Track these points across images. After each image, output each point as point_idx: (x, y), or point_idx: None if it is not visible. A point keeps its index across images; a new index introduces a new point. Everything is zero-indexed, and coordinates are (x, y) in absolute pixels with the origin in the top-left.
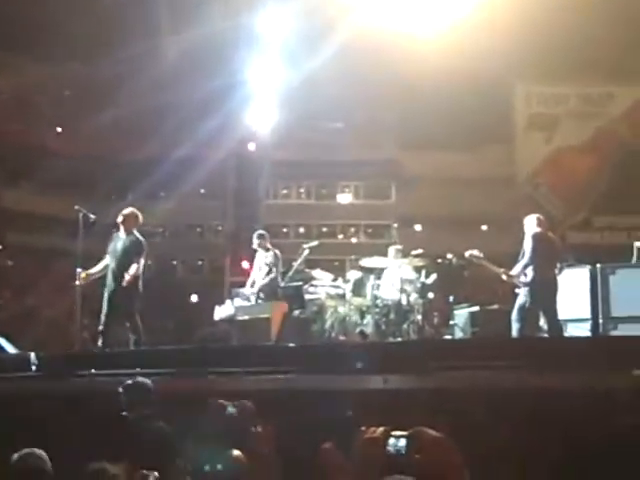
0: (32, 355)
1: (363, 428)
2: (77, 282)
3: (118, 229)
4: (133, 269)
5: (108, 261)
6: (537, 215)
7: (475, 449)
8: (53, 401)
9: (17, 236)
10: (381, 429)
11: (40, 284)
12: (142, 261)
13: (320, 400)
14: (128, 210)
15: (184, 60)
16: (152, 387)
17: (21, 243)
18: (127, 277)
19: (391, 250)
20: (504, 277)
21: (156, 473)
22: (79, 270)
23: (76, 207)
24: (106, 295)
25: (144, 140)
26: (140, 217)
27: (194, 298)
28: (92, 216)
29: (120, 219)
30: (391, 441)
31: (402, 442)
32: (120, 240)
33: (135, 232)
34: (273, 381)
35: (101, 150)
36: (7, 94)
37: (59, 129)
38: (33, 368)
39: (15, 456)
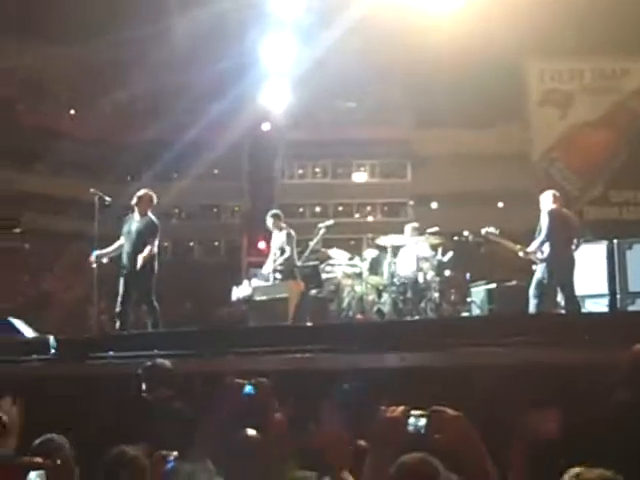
0: (51, 338)
1: (383, 407)
2: (92, 262)
3: (133, 211)
4: (146, 251)
5: (122, 242)
6: (553, 191)
7: (492, 425)
8: (72, 384)
9: (33, 219)
10: (401, 408)
11: (57, 267)
12: (156, 243)
13: (337, 379)
14: (142, 192)
15: (195, 40)
16: (171, 368)
17: (37, 226)
18: (140, 260)
19: (407, 228)
20: (521, 254)
21: (176, 453)
22: (95, 252)
23: (91, 189)
24: (122, 277)
25: (157, 121)
26: (155, 199)
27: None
28: (108, 198)
29: (134, 201)
30: (411, 420)
31: (422, 421)
32: (134, 222)
33: (150, 214)
34: (291, 361)
35: (115, 132)
36: (21, 77)
37: (73, 111)
38: (52, 351)
39: (36, 442)
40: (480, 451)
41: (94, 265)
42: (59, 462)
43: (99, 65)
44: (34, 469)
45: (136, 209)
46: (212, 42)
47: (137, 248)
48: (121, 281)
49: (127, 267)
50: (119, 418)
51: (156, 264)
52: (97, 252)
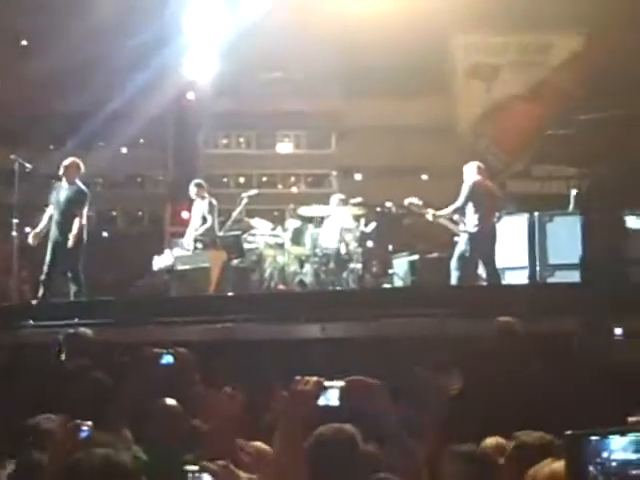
0: None
1: (298, 378)
2: (30, 241)
3: (60, 179)
4: (76, 226)
5: (51, 212)
6: (477, 163)
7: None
8: None
9: None
10: (314, 379)
11: None
12: (85, 211)
13: (259, 349)
14: (69, 160)
15: (118, 10)
16: (92, 337)
17: None
18: (71, 238)
19: (333, 199)
20: (429, 217)
21: (90, 422)
22: (15, 221)
23: (12, 156)
24: (50, 245)
25: (80, 92)
26: (82, 166)
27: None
28: (28, 165)
29: (62, 170)
30: (323, 393)
31: (335, 393)
32: (63, 191)
33: (78, 182)
34: (212, 331)
35: (37, 101)
36: None
37: None
38: None
39: None
40: (393, 419)
41: (33, 243)
42: None
43: (19, 33)
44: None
45: (64, 178)
46: (135, 11)
47: (66, 217)
48: (49, 249)
49: (56, 236)
50: (38, 387)
51: (85, 233)
52: (32, 233)
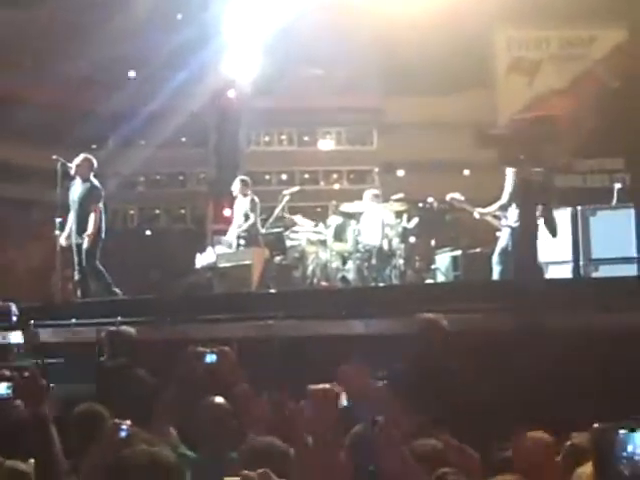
0: (13, 306)
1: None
2: (61, 244)
3: (74, 178)
4: (91, 222)
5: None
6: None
7: (456, 392)
8: (34, 351)
9: None
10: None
11: (19, 235)
12: (100, 207)
13: (301, 346)
14: (81, 157)
15: (158, 8)
16: (134, 336)
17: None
18: (87, 236)
19: (367, 194)
20: (476, 215)
21: (129, 422)
22: (59, 220)
23: (54, 156)
24: (74, 245)
25: (122, 89)
26: (94, 162)
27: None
28: (70, 165)
29: (74, 168)
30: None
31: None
32: (77, 189)
33: (92, 178)
34: (255, 328)
35: (78, 99)
36: None
37: (35, 78)
38: (14, 319)
39: None
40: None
41: (64, 244)
42: (27, 374)
43: (60, 31)
44: (2, 381)
45: (77, 176)
46: (176, 9)
47: (81, 215)
48: (74, 249)
49: (75, 235)
50: (82, 385)
51: (103, 229)
52: (62, 237)
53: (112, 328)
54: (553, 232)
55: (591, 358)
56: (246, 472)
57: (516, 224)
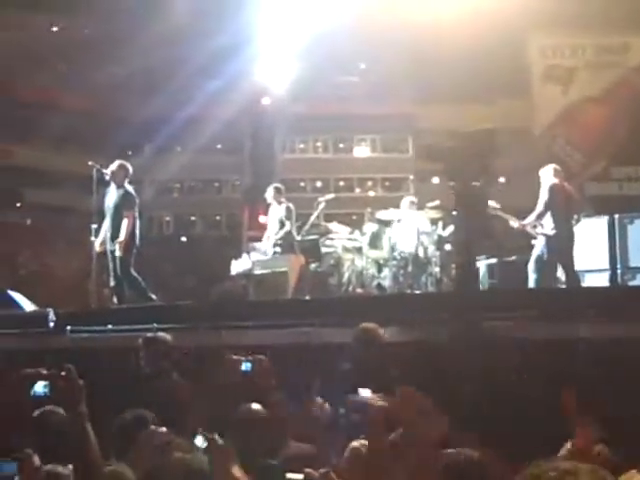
0: (50, 312)
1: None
2: (97, 250)
3: (109, 185)
4: (124, 228)
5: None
6: (554, 166)
7: (490, 396)
8: (70, 357)
9: (33, 194)
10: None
11: (55, 242)
12: (135, 214)
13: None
14: (117, 163)
15: (193, 14)
16: (171, 342)
17: (37, 200)
18: (118, 243)
19: (404, 201)
20: (515, 225)
21: (164, 428)
22: (94, 226)
23: (90, 163)
24: (109, 252)
25: (157, 96)
26: (130, 169)
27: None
28: (106, 172)
29: (109, 175)
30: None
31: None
32: (112, 196)
33: (126, 185)
34: (291, 335)
35: (114, 106)
36: (17, 49)
37: (71, 84)
38: (51, 325)
39: (36, 413)
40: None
41: (99, 249)
42: (63, 374)
43: (96, 38)
44: (40, 380)
45: (112, 182)
46: (211, 16)
47: (116, 221)
48: (109, 256)
49: (109, 242)
50: (117, 391)
51: (137, 236)
52: (97, 243)
53: (148, 334)
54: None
55: (629, 366)
56: (310, 470)
57: (552, 232)
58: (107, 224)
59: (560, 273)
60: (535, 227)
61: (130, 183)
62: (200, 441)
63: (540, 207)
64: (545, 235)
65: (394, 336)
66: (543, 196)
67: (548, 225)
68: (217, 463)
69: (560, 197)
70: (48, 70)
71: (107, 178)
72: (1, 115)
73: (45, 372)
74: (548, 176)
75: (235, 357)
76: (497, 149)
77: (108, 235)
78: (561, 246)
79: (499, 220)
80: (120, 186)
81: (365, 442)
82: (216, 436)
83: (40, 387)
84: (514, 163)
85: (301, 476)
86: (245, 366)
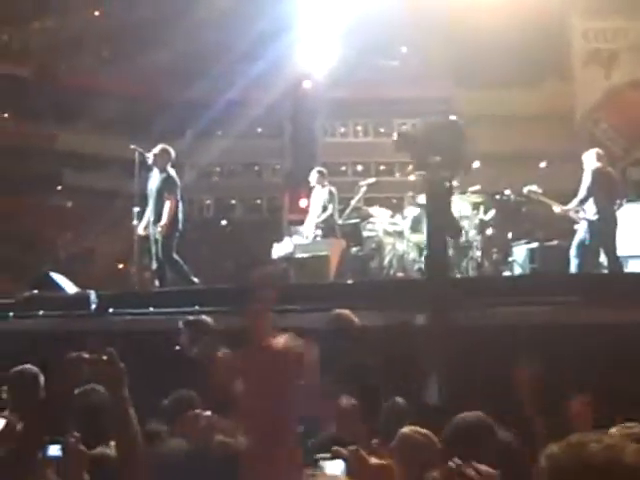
0: (92, 294)
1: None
2: (139, 233)
3: (151, 169)
4: (166, 212)
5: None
6: (596, 150)
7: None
8: (112, 339)
9: (74, 177)
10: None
11: (98, 224)
12: (177, 198)
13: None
14: (159, 147)
15: (235, 0)
16: (213, 324)
17: (79, 184)
18: (160, 227)
19: None
20: (557, 210)
21: (208, 412)
22: (136, 210)
23: (132, 146)
24: (151, 235)
25: (198, 80)
26: (172, 153)
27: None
28: (148, 155)
29: (152, 159)
30: None
31: None
32: (154, 179)
33: (168, 169)
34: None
35: (156, 90)
36: (62, 35)
37: (113, 69)
38: (93, 307)
39: (76, 391)
40: None
41: (142, 233)
42: (105, 357)
43: (139, 23)
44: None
45: (155, 167)
46: (253, 1)
47: (158, 205)
48: (151, 239)
49: (152, 225)
50: (159, 374)
51: (180, 220)
52: (139, 226)
53: (190, 317)
54: (457, 233)
55: None
56: (337, 448)
57: (595, 217)
58: (150, 208)
59: (603, 258)
60: (578, 212)
61: (172, 167)
62: None
63: (583, 192)
64: (588, 220)
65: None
66: (586, 181)
67: (591, 210)
68: None
69: (603, 182)
70: (91, 55)
71: (149, 162)
72: (44, 100)
73: (87, 356)
74: (591, 160)
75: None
76: (465, 139)
77: (151, 219)
78: (604, 231)
79: (541, 205)
80: (163, 170)
81: (416, 428)
82: None
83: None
84: (555, 147)
85: (328, 454)
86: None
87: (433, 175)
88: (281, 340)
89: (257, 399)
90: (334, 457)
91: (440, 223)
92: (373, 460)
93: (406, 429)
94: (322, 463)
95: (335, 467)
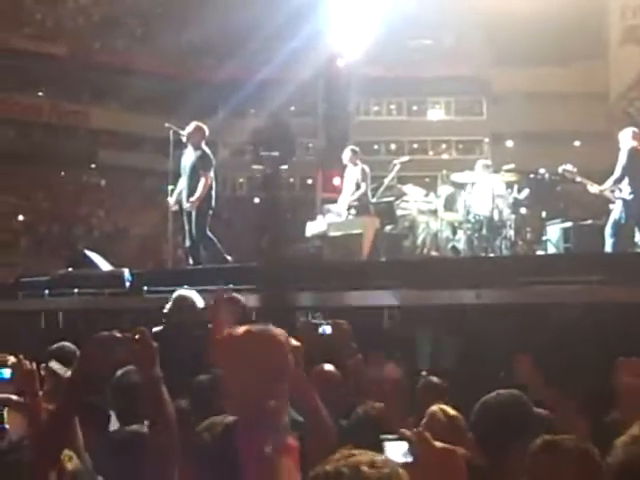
0: (126, 272)
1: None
2: (172, 209)
3: (186, 147)
4: (200, 188)
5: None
6: (633, 129)
7: (565, 362)
8: (146, 317)
9: (108, 155)
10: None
11: (132, 203)
12: (211, 175)
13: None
14: (193, 125)
15: None
16: (244, 302)
17: (112, 162)
18: (192, 202)
19: (479, 164)
20: (592, 189)
21: None
22: (171, 187)
23: (166, 124)
24: (185, 213)
25: (232, 59)
26: (206, 130)
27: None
28: (182, 133)
29: (186, 136)
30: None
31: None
32: (188, 156)
33: (203, 146)
34: (365, 297)
35: (190, 69)
36: (94, 13)
37: (147, 48)
38: (127, 284)
39: (118, 373)
40: None
41: (173, 208)
42: (138, 337)
43: (173, 1)
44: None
45: (189, 143)
46: None
47: (192, 182)
48: (184, 216)
49: (185, 203)
50: (192, 351)
51: (213, 197)
52: (171, 201)
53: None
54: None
55: None
56: (403, 430)
57: (630, 197)
58: (183, 185)
59: (638, 238)
60: (613, 191)
61: (206, 144)
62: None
63: (618, 171)
64: (623, 199)
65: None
66: (622, 160)
67: (626, 189)
68: None
69: (639, 161)
70: (125, 34)
71: (183, 140)
72: (78, 78)
73: (119, 335)
74: (627, 139)
75: (313, 320)
76: (293, 137)
77: (184, 195)
78: (639, 211)
79: (576, 184)
80: (197, 147)
81: (444, 406)
82: None
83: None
84: (590, 126)
85: (395, 436)
86: (324, 329)
87: (272, 169)
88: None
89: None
90: (400, 439)
91: (275, 215)
92: (438, 444)
93: (435, 407)
94: (385, 445)
95: (398, 449)
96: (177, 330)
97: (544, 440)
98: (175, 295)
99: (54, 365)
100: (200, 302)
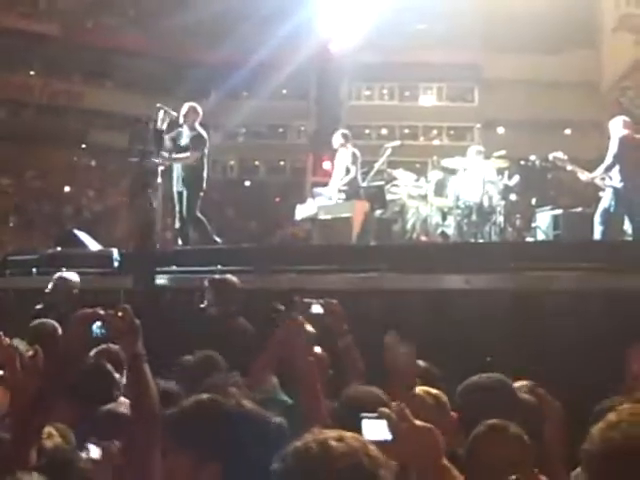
0: (114, 252)
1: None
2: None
3: (181, 126)
4: (188, 156)
5: None
6: (623, 117)
7: (552, 347)
8: (134, 297)
9: (99, 135)
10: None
11: (122, 183)
12: (205, 153)
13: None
14: (187, 105)
15: None
16: (238, 284)
17: (103, 142)
18: (176, 157)
19: (471, 150)
20: (582, 177)
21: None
22: (161, 168)
23: (158, 105)
24: (176, 194)
25: (225, 42)
26: (200, 111)
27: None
28: (174, 113)
29: (182, 118)
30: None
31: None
32: (183, 136)
33: (197, 126)
34: (355, 280)
35: (183, 51)
36: None
37: (140, 29)
38: (115, 264)
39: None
40: None
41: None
42: (120, 314)
43: None
44: (97, 320)
45: (184, 124)
46: None
47: (186, 162)
48: (175, 197)
49: (178, 183)
50: (181, 331)
51: (204, 179)
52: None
53: (216, 276)
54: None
55: None
56: (382, 409)
57: (620, 185)
58: (177, 165)
59: (627, 226)
60: (603, 179)
61: (179, 125)
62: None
63: (609, 159)
64: (613, 187)
65: (458, 284)
66: (612, 148)
67: (616, 177)
68: None
69: (630, 149)
70: (117, 14)
71: (179, 120)
72: (70, 58)
73: (102, 312)
74: (618, 128)
75: (305, 300)
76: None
77: (176, 173)
78: (629, 199)
79: (566, 172)
80: (192, 128)
81: (427, 389)
82: None
83: (96, 327)
84: (581, 115)
85: (374, 414)
86: (315, 309)
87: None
88: None
89: None
90: (379, 417)
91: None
92: (417, 422)
93: (418, 389)
94: (364, 422)
95: (377, 427)
96: (50, 309)
97: (486, 424)
98: (55, 276)
99: (17, 343)
100: (77, 284)
